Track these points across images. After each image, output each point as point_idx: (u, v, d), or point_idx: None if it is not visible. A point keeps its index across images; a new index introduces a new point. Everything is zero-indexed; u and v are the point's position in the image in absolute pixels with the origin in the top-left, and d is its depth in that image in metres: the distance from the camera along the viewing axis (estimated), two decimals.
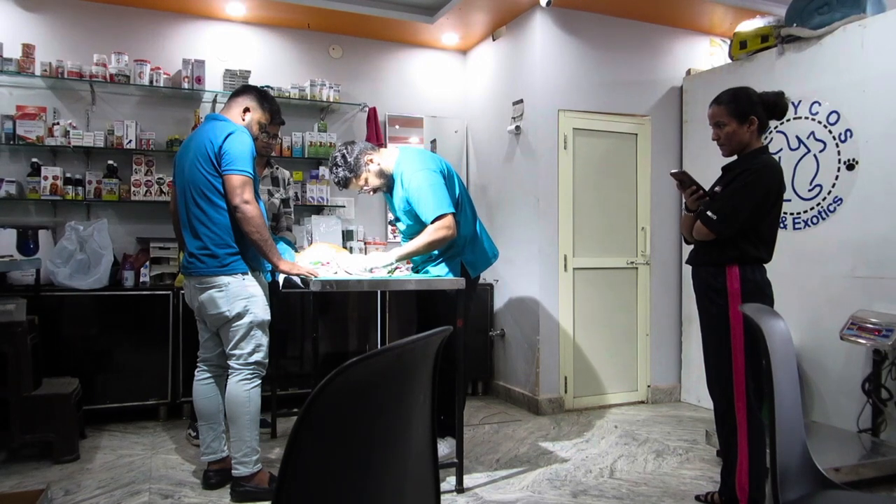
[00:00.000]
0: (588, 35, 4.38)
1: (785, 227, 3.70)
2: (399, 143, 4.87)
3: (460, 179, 3.19)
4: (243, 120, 2.83)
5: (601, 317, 4.44)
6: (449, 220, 2.88)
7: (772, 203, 2.51)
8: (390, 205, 3.24)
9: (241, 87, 2.97)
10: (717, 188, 2.60)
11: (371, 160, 3.01)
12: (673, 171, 2.65)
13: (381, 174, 3.05)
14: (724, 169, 2.67)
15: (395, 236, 4.73)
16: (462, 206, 3.11)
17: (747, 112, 2.54)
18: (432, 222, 2.88)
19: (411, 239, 3.04)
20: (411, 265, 3.15)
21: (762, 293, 2.49)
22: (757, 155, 2.55)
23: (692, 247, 2.72)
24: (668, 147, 4.62)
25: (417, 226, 3.03)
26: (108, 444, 3.49)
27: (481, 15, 4.50)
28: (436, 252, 3.06)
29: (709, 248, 2.56)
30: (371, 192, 3.12)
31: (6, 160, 4.03)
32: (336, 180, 3.05)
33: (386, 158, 3.06)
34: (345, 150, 3.02)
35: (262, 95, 2.92)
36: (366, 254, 4.42)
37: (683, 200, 2.84)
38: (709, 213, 2.50)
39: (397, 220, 3.26)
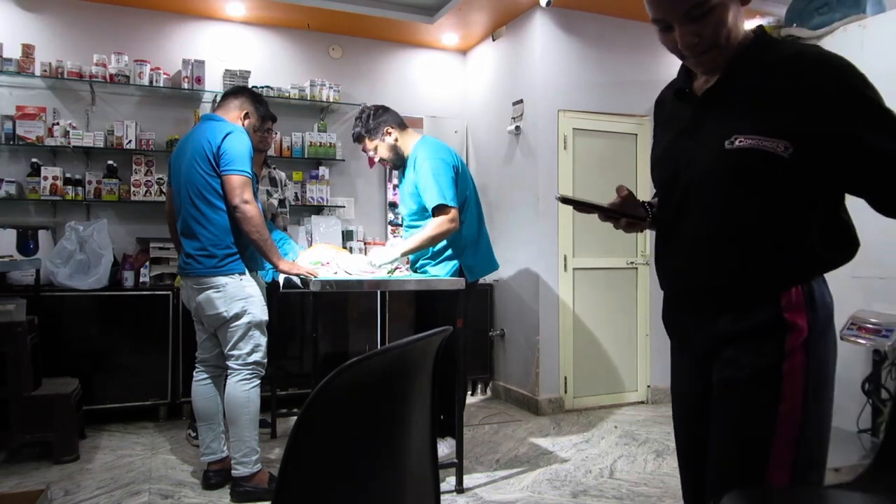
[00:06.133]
0: (588, 35, 4.38)
1: None
2: None
3: (472, 180, 3.22)
4: (243, 124, 2.85)
5: (601, 317, 4.44)
6: (453, 213, 2.91)
7: None
8: (401, 185, 3.28)
9: (235, 89, 2.98)
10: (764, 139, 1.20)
11: (390, 132, 3.07)
12: (557, 196, 1.53)
13: (395, 150, 3.10)
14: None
15: (394, 236, 4.73)
16: (468, 205, 3.12)
17: None
18: (433, 210, 2.90)
19: (411, 228, 3.08)
20: (409, 264, 3.17)
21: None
22: (773, 45, 1.29)
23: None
24: None
25: (419, 213, 3.05)
26: (108, 444, 3.49)
27: (481, 15, 4.50)
28: (436, 249, 3.08)
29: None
30: (377, 161, 3.17)
31: (6, 160, 4.03)
32: (352, 133, 3.14)
33: (406, 139, 3.12)
34: (372, 112, 3.09)
35: (256, 99, 2.95)
36: (366, 254, 4.42)
37: None
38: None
39: (400, 209, 3.29)
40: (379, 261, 3.00)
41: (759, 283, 1.25)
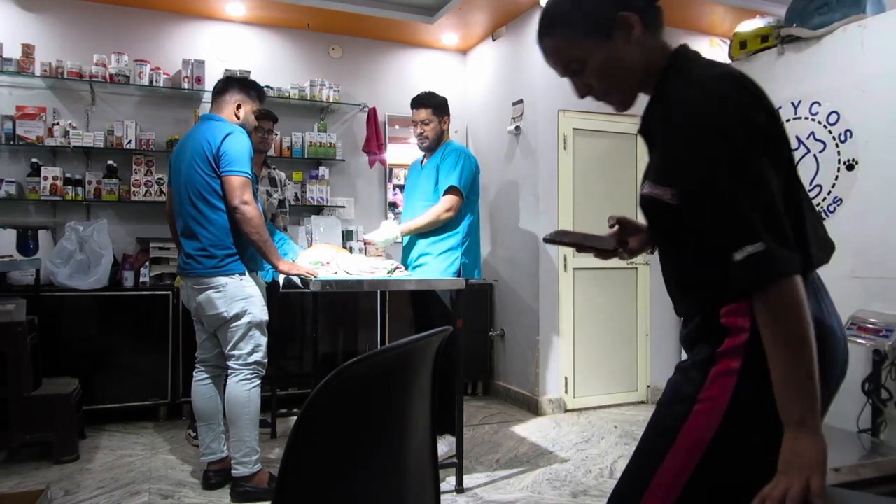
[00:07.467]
0: None
1: None
2: (399, 144, 4.89)
3: (479, 191, 3.50)
4: (238, 117, 2.83)
5: (601, 317, 4.44)
6: (458, 201, 3.25)
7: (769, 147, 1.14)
8: (414, 174, 3.58)
9: (223, 82, 2.90)
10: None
11: (446, 123, 3.48)
12: (545, 237, 1.55)
13: (440, 135, 3.43)
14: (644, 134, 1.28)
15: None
16: (474, 210, 3.38)
17: (600, 17, 1.19)
18: (447, 189, 3.23)
19: (411, 205, 3.45)
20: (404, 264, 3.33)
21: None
22: (673, 75, 1.21)
23: None
24: None
25: (433, 199, 3.31)
26: (108, 444, 3.49)
27: (481, 15, 4.50)
28: (435, 244, 3.26)
29: None
30: (419, 133, 3.40)
31: (6, 160, 4.03)
32: (418, 98, 3.43)
33: (447, 136, 3.51)
34: (446, 101, 3.47)
35: (246, 84, 2.90)
36: (366, 254, 4.43)
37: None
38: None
39: (409, 197, 3.56)
40: (380, 239, 3.28)
41: (705, 306, 1.19)
